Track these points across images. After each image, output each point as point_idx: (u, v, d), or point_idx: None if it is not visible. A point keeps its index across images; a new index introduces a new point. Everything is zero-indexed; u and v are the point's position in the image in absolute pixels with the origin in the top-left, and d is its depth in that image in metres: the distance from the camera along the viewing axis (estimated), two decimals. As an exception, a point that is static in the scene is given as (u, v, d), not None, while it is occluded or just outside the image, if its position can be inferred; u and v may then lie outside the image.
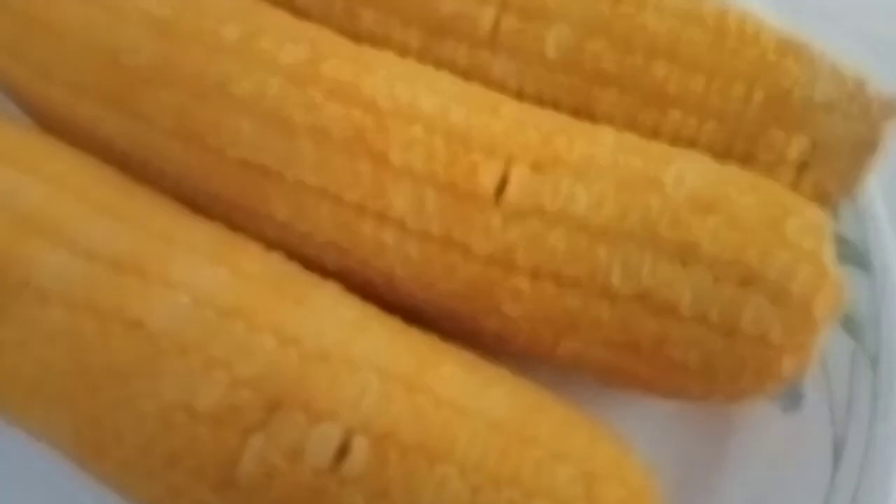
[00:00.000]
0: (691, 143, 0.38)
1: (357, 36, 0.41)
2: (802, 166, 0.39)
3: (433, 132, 0.34)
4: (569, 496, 0.27)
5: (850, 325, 0.38)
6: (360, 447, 0.27)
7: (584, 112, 0.39)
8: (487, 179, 0.33)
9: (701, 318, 0.32)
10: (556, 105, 0.39)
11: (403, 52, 0.40)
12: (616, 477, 0.29)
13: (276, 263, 0.34)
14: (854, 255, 0.40)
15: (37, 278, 0.30)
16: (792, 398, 0.38)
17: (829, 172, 0.39)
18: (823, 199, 0.39)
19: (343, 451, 0.28)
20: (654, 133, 0.38)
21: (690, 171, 0.34)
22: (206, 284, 0.31)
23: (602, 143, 0.35)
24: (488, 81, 0.40)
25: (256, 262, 0.33)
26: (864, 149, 0.38)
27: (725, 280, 0.32)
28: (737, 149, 0.38)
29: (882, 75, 0.41)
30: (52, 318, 0.30)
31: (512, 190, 0.33)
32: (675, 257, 0.32)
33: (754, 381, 0.33)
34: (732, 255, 0.32)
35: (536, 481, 0.27)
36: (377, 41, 0.41)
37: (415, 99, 0.35)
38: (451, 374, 0.30)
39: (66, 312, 0.30)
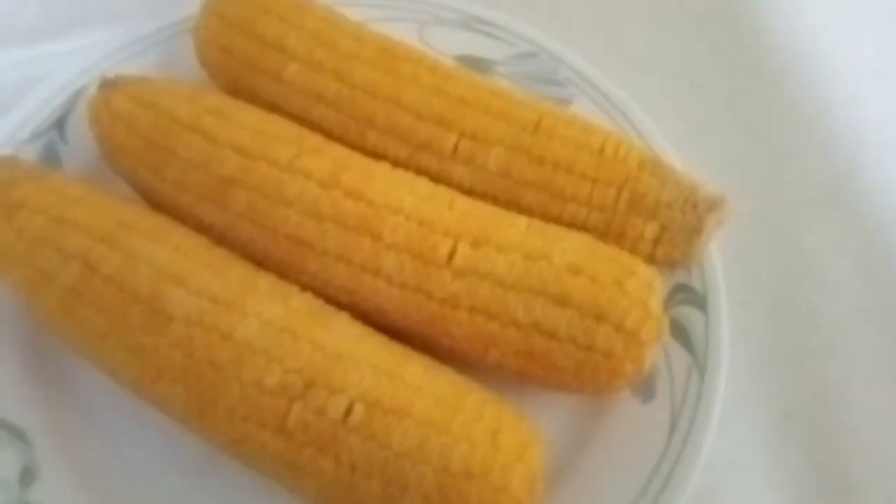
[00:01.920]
0: (582, 226, 0.55)
1: (364, 149, 0.58)
2: (655, 242, 0.55)
3: (410, 220, 0.50)
4: (480, 441, 0.42)
5: (690, 346, 0.54)
6: (358, 410, 0.43)
7: (513, 204, 0.56)
8: (443, 251, 0.49)
9: (572, 339, 0.48)
10: (494, 200, 0.56)
11: (395, 161, 0.58)
12: (513, 432, 0.44)
13: (309, 299, 0.50)
14: (697, 299, 0.56)
15: (166, 306, 0.48)
16: (648, 393, 0.53)
17: (674, 247, 0.56)
18: (673, 264, 0.57)
19: (349, 412, 0.44)
20: (558, 219, 0.55)
21: (572, 248, 0.50)
22: (267, 312, 0.48)
23: (517, 227, 0.52)
24: (450, 182, 0.56)
25: (298, 298, 0.50)
26: (694, 233, 0.55)
27: (587, 316, 0.47)
28: (612, 230, 0.55)
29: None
30: (175, 330, 0.48)
31: (458, 258, 0.49)
32: (557, 302, 0.48)
33: (608, 379, 0.49)
34: (592, 301, 0.48)
35: (461, 433, 0.43)
36: (378, 154, 0.58)
37: (399, 198, 0.51)
38: (416, 370, 0.47)
39: (184, 328, 0.48)
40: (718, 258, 0.58)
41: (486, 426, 0.43)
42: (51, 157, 0.61)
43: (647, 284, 0.50)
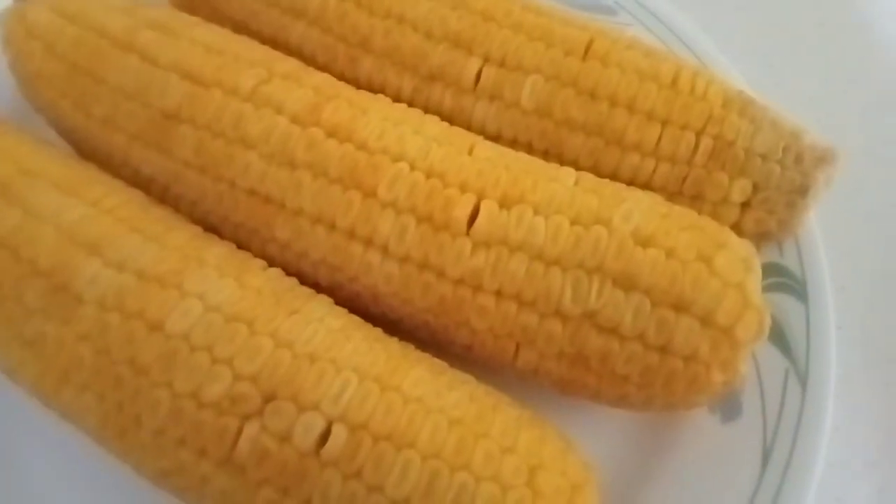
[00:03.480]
0: (647, 183, 0.43)
1: (357, 81, 0.46)
2: (745, 206, 0.43)
3: (415, 169, 0.39)
4: (512, 482, 0.32)
5: (785, 346, 0.42)
6: (338, 434, 0.32)
7: (553, 154, 0.44)
8: (461, 211, 0.38)
9: (639, 337, 0.36)
10: (528, 148, 0.44)
11: (397, 96, 0.46)
12: (557, 469, 0.33)
13: (276, 278, 0.39)
14: (794, 285, 0.44)
15: (75, 283, 0.36)
16: (731, 410, 0.42)
17: (769, 213, 0.43)
18: (765, 236, 0.44)
19: (324, 437, 0.32)
20: (613, 174, 0.43)
21: (638, 209, 0.38)
22: (215, 294, 0.36)
23: (563, 182, 0.39)
24: (469, 125, 0.45)
25: (259, 276, 0.38)
26: (798, 194, 0.42)
27: (661, 305, 0.36)
28: (687, 189, 0.43)
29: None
30: (86, 316, 0.35)
31: (481, 221, 0.38)
32: (619, 284, 0.37)
33: (687, 391, 0.37)
34: (668, 283, 0.36)
35: (485, 469, 0.32)
36: (374, 86, 0.46)
37: (401, 139, 0.40)
38: (420, 377, 0.35)
39: (97, 312, 0.35)
40: (818, 231, 0.46)
41: (521, 459, 0.33)
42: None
43: (743, 261, 0.38)
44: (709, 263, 0.37)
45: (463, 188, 0.39)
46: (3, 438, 0.43)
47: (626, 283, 0.36)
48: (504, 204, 0.38)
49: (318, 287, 0.39)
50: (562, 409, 0.40)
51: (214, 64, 0.42)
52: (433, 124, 0.42)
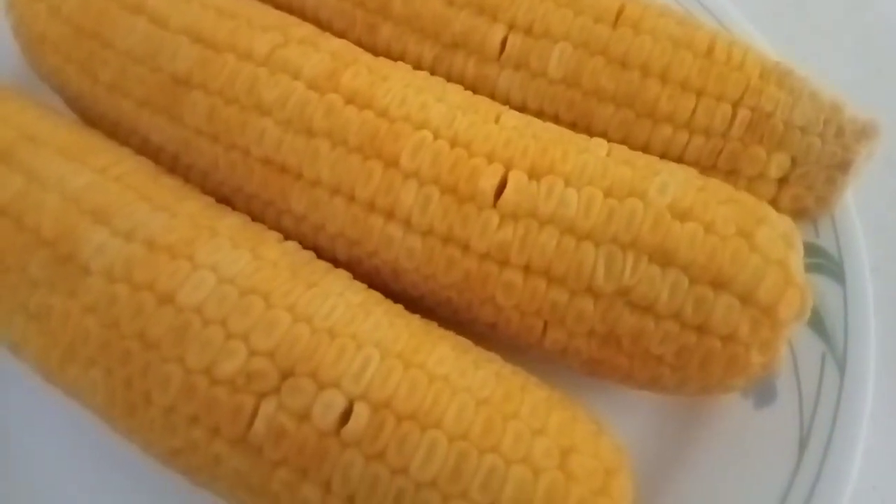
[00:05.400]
0: (679, 158, 0.41)
1: (375, 49, 0.44)
2: (782, 182, 0.41)
3: (440, 137, 0.37)
4: (544, 464, 0.30)
5: (822, 328, 0.41)
6: (360, 413, 0.30)
7: (581, 126, 0.42)
8: (487, 182, 0.36)
9: (676, 316, 0.34)
10: (555, 119, 0.42)
11: (417, 64, 0.43)
12: (589, 451, 0.31)
13: (293, 251, 0.37)
14: (830, 266, 0.42)
15: (80, 252, 0.34)
16: (765, 395, 0.40)
17: (807, 189, 0.41)
18: (802, 213, 0.42)
19: (345, 416, 0.30)
20: (644, 147, 0.41)
21: (674, 181, 0.36)
22: (229, 265, 0.34)
23: (594, 153, 0.37)
24: (493, 95, 0.43)
25: (275, 248, 0.36)
26: (838, 169, 0.40)
27: (699, 282, 0.34)
28: (721, 163, 0.41)
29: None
30: (92, 288, 0.33)
31: (509, 193, 0.36)
32: (655, 259, 0.35)
33: (724, 374, 0.35)
34: (706, 259, 0.34)
35: (515, 450, 0.30)
36: (393, 54, 0.44)
37: (424, 106, 0.38)
38: (445, 355, 0.33)
39: (104, 284, 0.33)
40: (854, 210, 0.44)
41: (552, 441, 0.31)
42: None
43: (784, 237, 0.36)
44: (749, 239, 0.35)
45: (490, 158, 0.36)
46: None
47: (663, 258, 0.34)
48: (533, 175, 0.36)
49: (335, 262, 0.37)
50: (587, 393, 0.38)
51: (227, 28, 0.40)
52: (457, 92, 0.40)
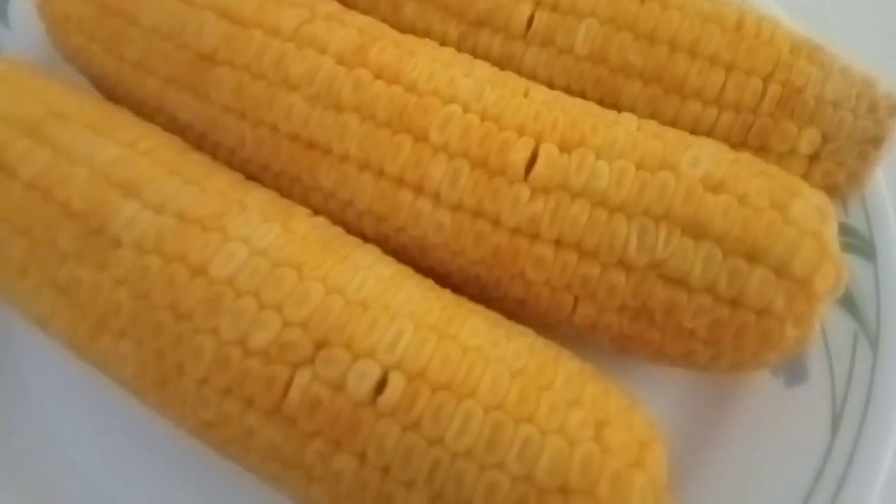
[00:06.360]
0: (708, 133, 0.41)
1: (399, 27, 0.43)
2: (813, 158, 0.41)
3: (469, 111, 0.36)
4: (579, 436, 0.29)
5: (853, 307, 0.40)
6: (395, 383, 0.30)
7: (608, 103, 0.41)
8: (518, 156, 0.36)
9: (709, 289, 0.34)
10: (582, 95, 0.42)
11: (442, 42, 0.43)
12: (624, 424, 0.31)
13: (323, 225, 0.36)
14: (860, 244, 0.42)
15: (111, 225, 0.34)
16: (796, 374, 0.40)
17: (838, 165, 0.41)
18: (833, 190, 0.41)
19: (380, 386, 0.30)
20: (673, 123, 0.41)
21: (705, 155, 0.36)
22: (260, 238, 0.33)
23: (625, 126, 0.37)
24: (520, 72, 0.42)
25: (305, 222, 0.36)
26: (871, 144, 0.40)
27: (733, 254, 0.34)
28: (751, 139, 0.41)
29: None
30: (123, 260, 0.33)
31: (540, 166, 0.36)
32: (688, 231, 0.34)
33: (758, 348, 0.35)
34: (740, 231, 0.34)
35: (550, 421, 0.30)
36: (417, 33, 0.43)
37: (452, 81, 0.37)
38: (477, 327, 0.33)
39: (136, 256, 0.33)
40: (885, 187, 0.43)
41: (587, 413, 0.31)
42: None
43: (818, 210, 0.35)
44: (783, 211, 0.34)
45: (520, 131, 0.36)
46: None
47: (696, 230, 0.34)
48: (564, 148, 0.36)
49: (364, 238, 0.37)
50: (616, 371, 0.38)
51: (253, 3, 0.40)
52: (484, 67, 0.40)
